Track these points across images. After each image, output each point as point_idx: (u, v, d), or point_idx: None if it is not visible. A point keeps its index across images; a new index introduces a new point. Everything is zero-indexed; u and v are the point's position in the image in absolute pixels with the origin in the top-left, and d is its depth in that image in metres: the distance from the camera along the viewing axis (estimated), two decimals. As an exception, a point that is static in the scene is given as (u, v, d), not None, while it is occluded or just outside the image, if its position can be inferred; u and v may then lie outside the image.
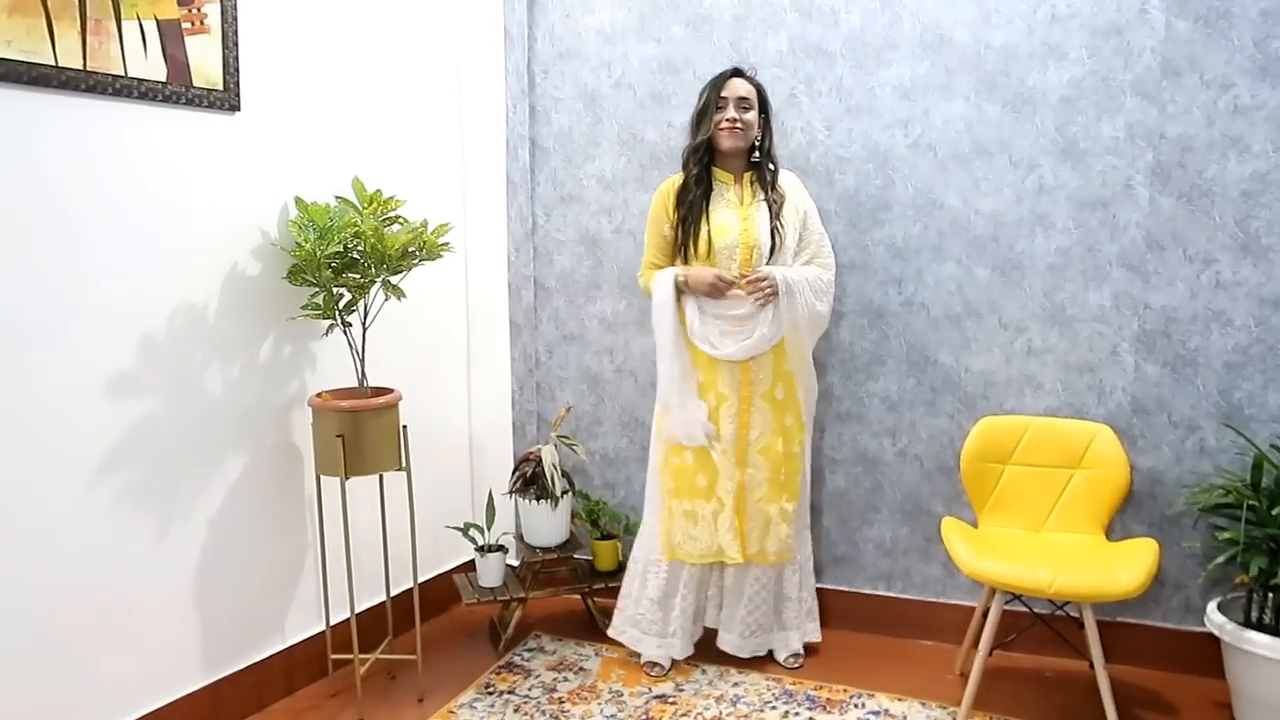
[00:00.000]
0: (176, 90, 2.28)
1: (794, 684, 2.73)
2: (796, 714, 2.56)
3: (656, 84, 3.17)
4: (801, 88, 2.99)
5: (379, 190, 2.57)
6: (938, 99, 2.85)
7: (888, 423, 3.02)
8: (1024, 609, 2.73)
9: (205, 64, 2.35)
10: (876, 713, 2.57)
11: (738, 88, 2.67)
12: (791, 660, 2.84)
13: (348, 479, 2.50)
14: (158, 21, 2.23)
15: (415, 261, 2.58)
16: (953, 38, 2.81)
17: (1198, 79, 2.60)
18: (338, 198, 2.59)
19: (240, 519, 2.53)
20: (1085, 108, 2.71)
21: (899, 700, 2.63)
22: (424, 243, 2.56)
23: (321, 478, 2.62)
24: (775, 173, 2.74)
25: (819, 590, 3.12)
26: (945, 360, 2.94)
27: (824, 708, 2.59)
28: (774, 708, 2.59)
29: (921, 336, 2.96)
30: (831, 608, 3.12)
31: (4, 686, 2.01)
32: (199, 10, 2.32)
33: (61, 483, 2.11)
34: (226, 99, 2.41)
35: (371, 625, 2.83)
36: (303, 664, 2.72)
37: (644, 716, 2.55)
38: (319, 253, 2.43)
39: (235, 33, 2.40)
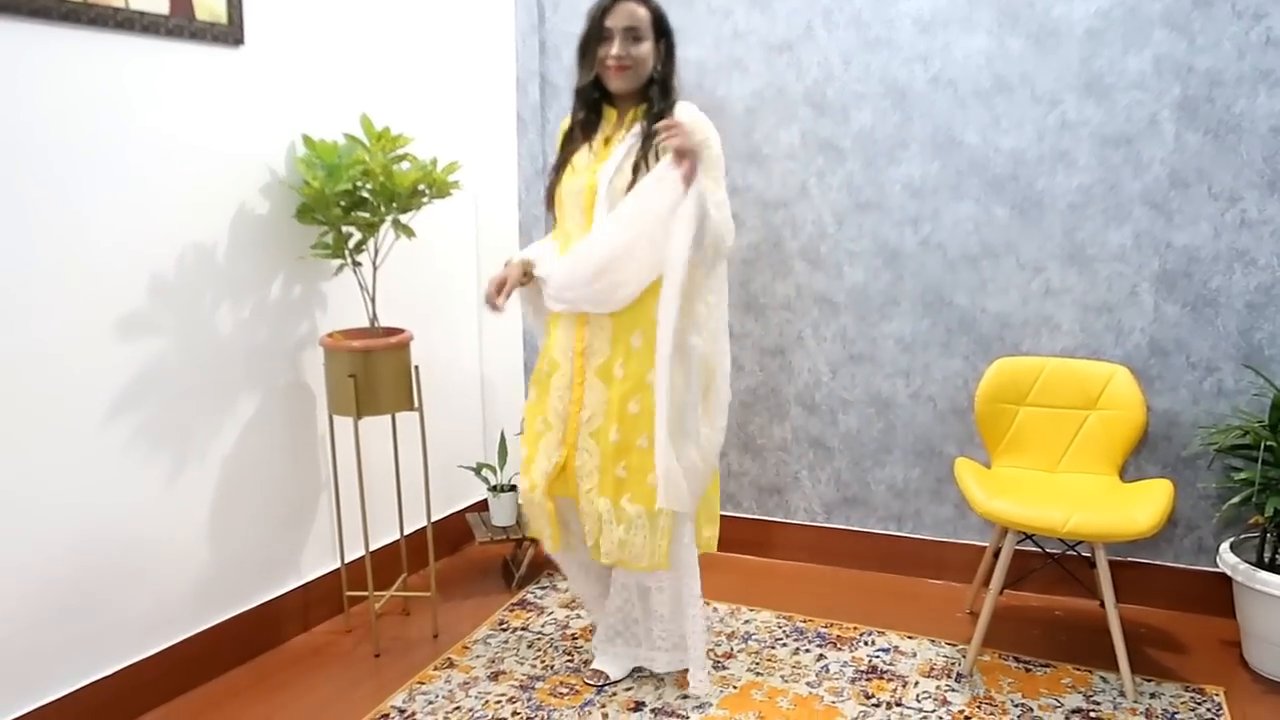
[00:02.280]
0: (180, 24, 2.23)
1: (805, 621, 2.75)
2: (807, 650, 2.59)
3: (670, 16, 3.08)
4: (819, 20, 2.91)
5: (387, 127, 2.53)
6: (959, 32, 2.77)
7: (901, 364, 3.00)
8: (1035, 549, 2.73)
9: (208, -4, 2.29)
10: (886, 649, 2.59)
11: (625, 15, 2.15)
12: (592, 675, 2.45)
13: (360, 419, 2.50)
14: (158, -49, 2.17)
15: (425, 200, 2.55)
16: (975, -33, 2.73)
17: (1229, 8, 2.52)
18: (346, 135, 2.55)
19: (254, 459, 2.54)
20: (1111, 40, 2.63)
21: (909, 638, 2.65)
22: (433, 181, 2.52)
23: (334, 418, 2.62)
24: (667, 105, 2.20)
25: (828, 530, 3.14)
26: (961, 301, 2.90)
27: (834, 644, 2.62)
28: (784, 644, 2.62)
29: (937, 277, 2.92)
30: (842, 548, 3.13)
31: (26, 622, 2.04)
32: (200, -60, 2.25)
33: (75, 423, 2.11)
34: (231, 33, 2.36)
35: (386, 563, 2.86)
36: (319, 601, 2.75)
37: (656, 653, 2.58)
38: (328, 191, 2.40)
39: (238, -37, 2.34)
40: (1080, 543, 2.62)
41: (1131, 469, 2.76)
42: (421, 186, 2.50)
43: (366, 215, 2.49)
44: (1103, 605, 2.39)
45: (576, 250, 2.19)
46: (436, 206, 2.64)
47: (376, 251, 2.57)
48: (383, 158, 2.45)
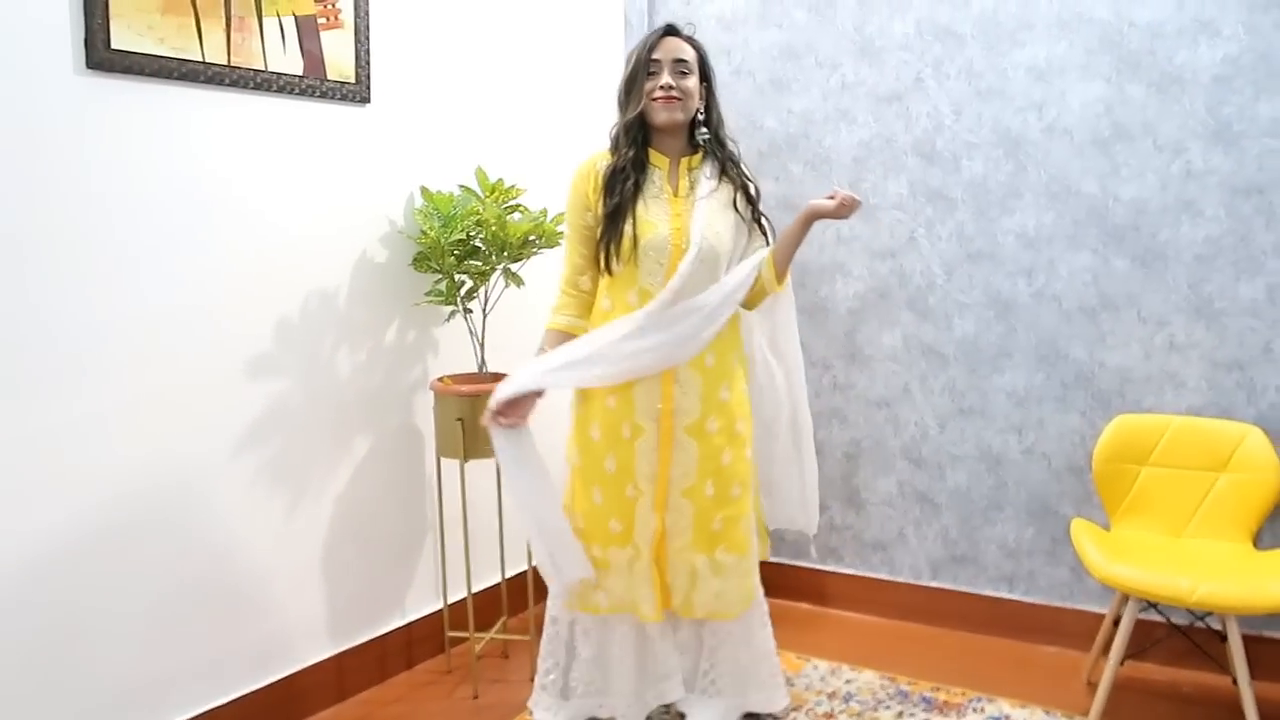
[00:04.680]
0: (312, 83, 2.37)
1: (909, 684, 2.66)
2: (912, 714, 2.50)
3: (777, 70, 3.12)
4: (929, 71, 2.89)
5: (500, 179, 2.62)
6: (1075, 80, 2.71)
7: (1014, 419, 2.90)
8: (1159, 618, 2.58)
9: (339, 58, 2.43)
10: (997, 718, 2.47)
11: (673, 48, 2.15)
12: None
13: (467, 461, 2.56)
14: (295, 17, 2.32)
15: (535, 250, 2.62)
16: (1093, 15, 2.67)
17: (1371, 53, 2.40)
18: (461, 187, 2.65)
19: (365, 497, 2.62)
20: (1241, 87, 2.53)
21: (1021, 706, 2.53)
22: (544, 231, 2.59)
23: (442, 460, 2.69)
24: (733, 154, 2.25)
25: (935, 590, 3.06)
26: (1078, 355, 2.80)
27: (940, 710, 2.52)
28: (888, 707, 2.53)
29: (1052, 330, 2.82)
30: (949, 609, 3.03)
31: (149, 647, 2.15)
32: (333, 6, 2.40)
33: (205, 457, 2.23)
34: (358, 91, 2.49)
35: (487, 605, 2.90)
36: (421, 640, 2.80)
37: (754, 709, 2.53)
38: (443, 240, 2.49)
39: (367, 27, 2.48)
40: (1209, 614, 2.47)
41: (1267, 536, 2.59)
42: (532, 237, 2.58)
43: (478, 264, 2.57)
44: (1235, 682, 2.24)
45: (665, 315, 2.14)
46: (545, 256, 2.70)
47: (487, 299, 2.65)
48: (496, 209, 2.54)
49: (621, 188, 2.15)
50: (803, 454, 2.42)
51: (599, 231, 2.18)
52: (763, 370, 2.37)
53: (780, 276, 2.23)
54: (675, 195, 2.19)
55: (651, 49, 2.15)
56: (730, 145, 2.25)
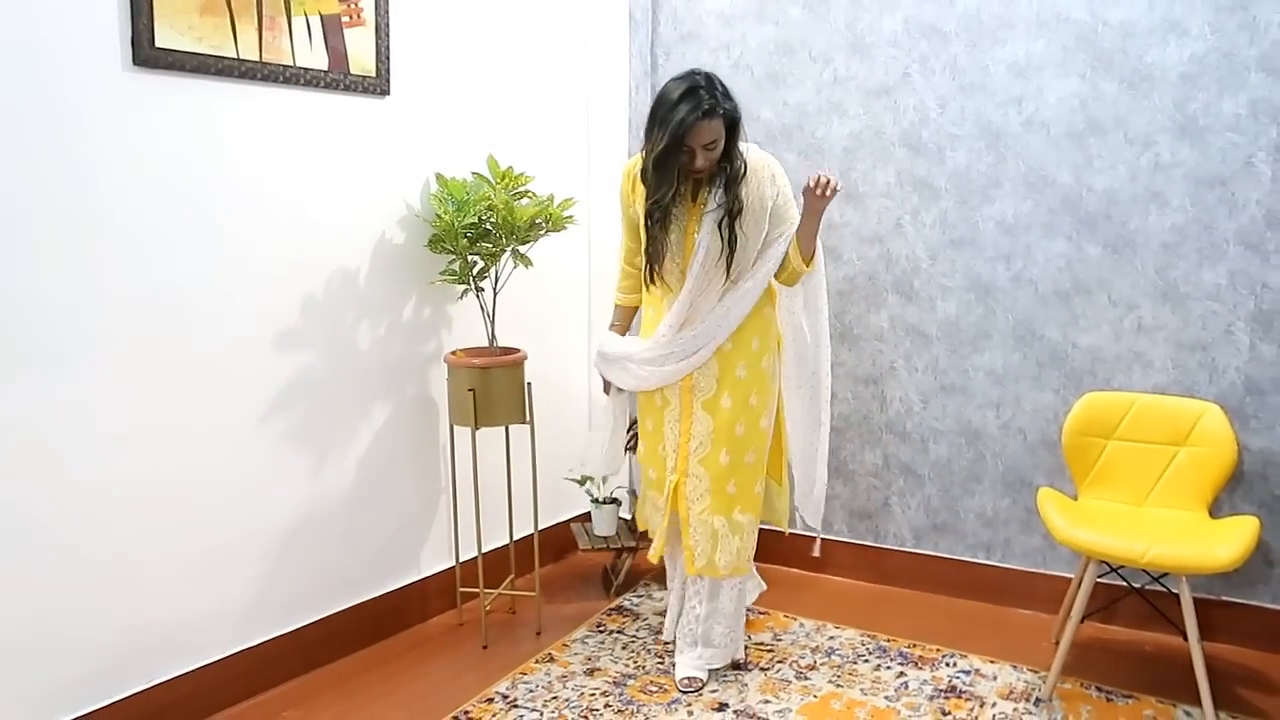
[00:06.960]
0: (336, 78, 2.56)
1: (888, 640, 2.85)
2: (888, 668, 2.69)
3: (773, 64, 3.29)
4: (915, 67, 3.05)
5: (510, 167, 2.80)
6: (1053, 76, 2.87)
7: (992, 395, 3.08)
8: (1122, 582, 2.76)
9: (361, 53, 2.61)
10: (967, 671, 2.67)
11: (706, 135, 2.24)
12: (686, 684, 2.58)
13: (477, 430, 2.76)
14: (321, 16, 2.50)
15: (542, 233, 2.81)
16: (1069, 15, 2.82)
17: (1327, 54, 2.55)
18: (474, 173, 2.84)
19: (383, 462, 2.83)
20: (1206, 84, 2.69)
21: (991, 662, 2.72)
22: (550, 215, 2.77)
23: (454, 428, 2.89)
24: (742, 174, 2.37)
25: (917, 555, 3.24)
26: (1052, 336, 2.97)
27: (915, 664, 2.71)
28: (866, 660, 2.73)
29: (1029, 312, 3.00)
30: (930, 573, 3.22)
31: (181, 596, 2.36)
32: (356, 5, 2.58)
33: (235, 423, 2.43)
34: (378, 85, 2.67)
35: (496, 564, 3.10)
36: (435, 595, 3.02)
37: (742, 660, 2.73)
38: (456, 224, 2.68)
39: (387, 24, 2.66)
40: (1165, 575, 2.64)
41: (1226, 507, 2.76)
42: (539, 221, 2.76)
43: (489, 246, 2.75)
44: (1186, 638, 2.42)
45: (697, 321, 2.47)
46: (551, 238, 2.89)
47: (497, 278, 2.84)
48: (505, 194, 2.73)
49: (656, 213, 2.37)
50: (821, 428, 2.66)
51: (642, 245, 2.46)
52: (795, 335, 2.57)
53: (806, 259, 2.46)
54: (694, 203, 2.42)
55: (685, 135, 2.21)
56: (739, 161, 2.37)
